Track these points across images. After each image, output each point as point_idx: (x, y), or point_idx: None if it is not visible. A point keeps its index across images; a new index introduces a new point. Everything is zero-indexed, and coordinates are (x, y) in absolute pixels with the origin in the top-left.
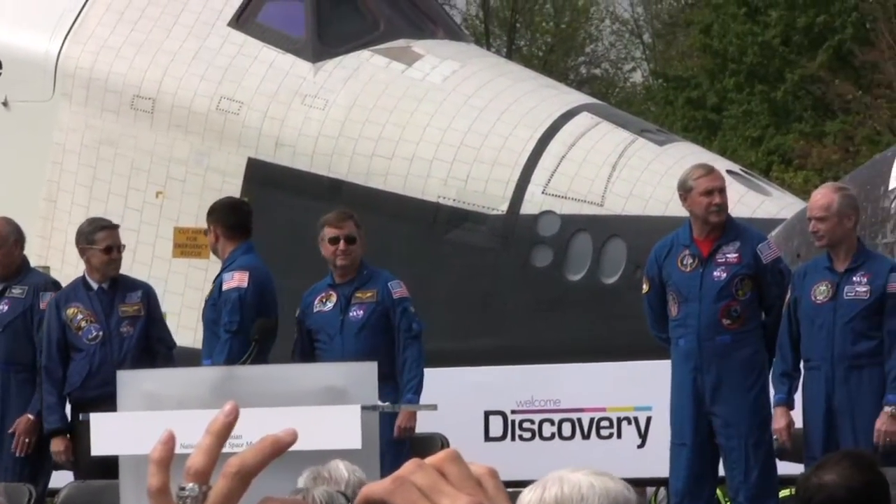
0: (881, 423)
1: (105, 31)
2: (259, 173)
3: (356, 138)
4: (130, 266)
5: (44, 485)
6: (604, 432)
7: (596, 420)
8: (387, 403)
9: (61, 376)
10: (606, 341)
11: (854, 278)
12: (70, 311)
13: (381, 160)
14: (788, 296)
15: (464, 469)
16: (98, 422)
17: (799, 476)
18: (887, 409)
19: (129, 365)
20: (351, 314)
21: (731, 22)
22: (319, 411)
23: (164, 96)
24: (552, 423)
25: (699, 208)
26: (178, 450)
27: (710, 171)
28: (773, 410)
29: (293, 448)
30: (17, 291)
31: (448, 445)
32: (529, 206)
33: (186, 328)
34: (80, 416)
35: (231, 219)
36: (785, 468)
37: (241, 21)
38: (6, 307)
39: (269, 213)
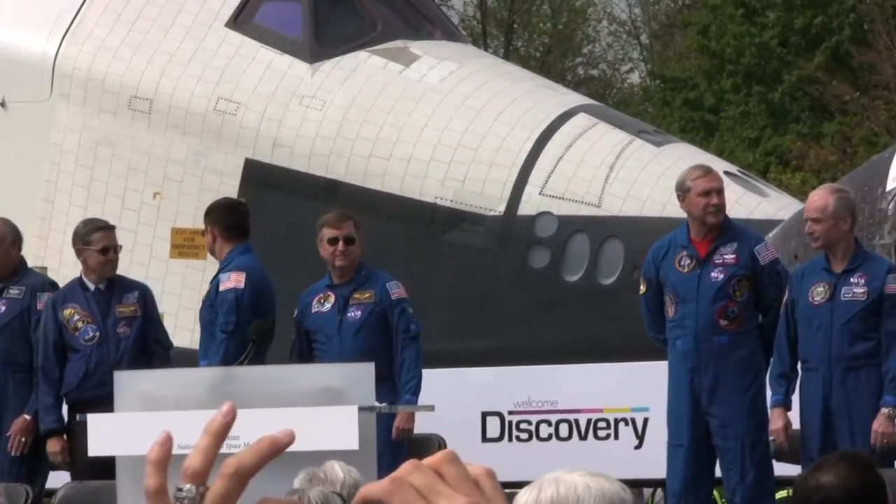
0: (878, 425)
1: (102, 32)
2: (256, 174)
3: (353, 139)
4: (128, 267)
5: (41, 485)
6: (601, 433)
7: (593, 421)
8: (384, 404)
9: (58, 377)
10: (604, 342)
11: (851, 279)
12: (67, 312)
13: (379, 161)
14: (786, 296)
15: (461, 470)
16: (95, 422)
17: (796, 477)
18: (884, 410)
19: (126, 366)
20: (349, 315)
21: (728, 23)
22: (316, 412)
23: (161, 97)
24: (549, 423)
25: (697, 209)
26: (175, 450)
27: (708, 171)
28: (770, 411)
29: (290, 449)
30: (14, 292)
31: (445, 446)
32: (527, 207)
33: (184, 329)
34: (78, 417)
35: (228, 220)
36: (782, 469)
37: (238, 22)
38: (3, 308)
39: (266, 214)
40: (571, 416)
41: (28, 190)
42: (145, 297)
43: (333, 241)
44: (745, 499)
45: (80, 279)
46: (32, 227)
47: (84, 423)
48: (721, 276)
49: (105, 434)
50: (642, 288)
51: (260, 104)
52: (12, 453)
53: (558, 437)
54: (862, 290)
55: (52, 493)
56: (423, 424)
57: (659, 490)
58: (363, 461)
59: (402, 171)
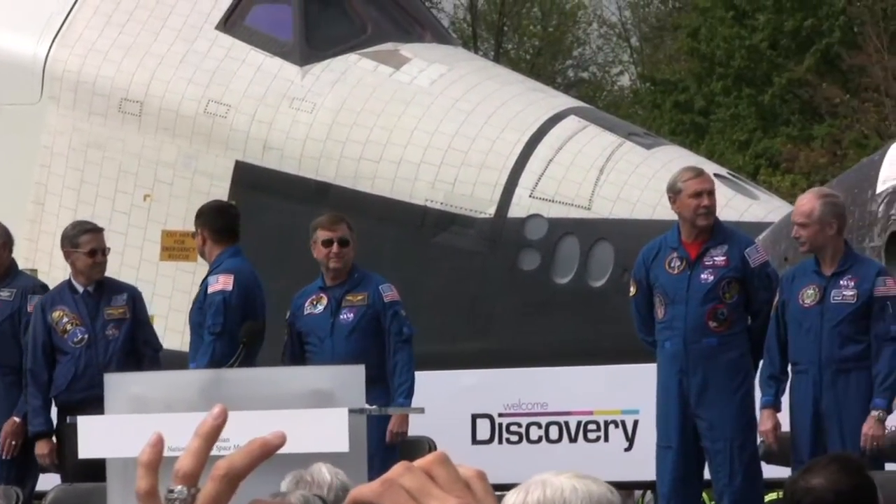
0: (868, 428)
1: (93, 35)
2: (247, 176)
3: (344, 141)
4: (118, 269)
5: (31, 487)
6: (591, 435)
7: (583, 423)
8: (374, 406)
9: (46, 379)
10: (594, 344)
11: (841, 282)
12: (55, 314)
13: (369, 163)
14: (777, 299)
15: (452, 471)
16: (85, 425)
17: (787, 479)
18: (874, 413)
19: (115, 368)
20: (341, 317)
21: (718, 26)
22: (307, 414)
23: (151, 99)
24: (539, 426)
25: (688, 211)
26: (165, 453)
27: (699, 173)
28: (759, 413)
29: (281, 451)
30: (4, 294)
31: (435, 448)
32: (517, 210)
33: (174, 331)
34: (68, 419)
35: (218, 222)
36: (772, 471)
37: (228, 24)
38: None
39: (256, 217)
40: (561, 419)
41: (18, 192)
42: (134, 299)
43: (328, 244)
44: (733, 501)
45: (68, 281)
46: (23, 230)
47: (74, 426)
48: (711, 277)
49: (95, 436)
50: (632, 290)
51: (250, 106)
52: (2, 456)
53: (548, 440)
54: (851, 293)
55: (43, 495)
56: (413, 427)
57: (649, 492)
58: (353, 463)
59: (392, 173)
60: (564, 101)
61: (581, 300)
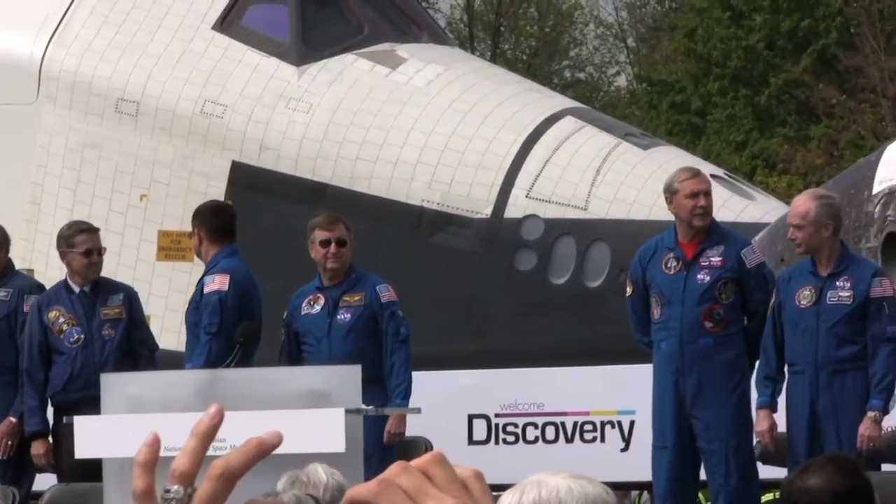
0: (864, 429)
1: (89, 34)
2: (243, 176)
3: (340, 142)
4: (115, 269)
5: (27, 487)
6: (587, 436)
7: (580, 424)
8: (370, 407)
9: (42, 379)
10: (590, 345)
11: (837, 283)
12: (52, 315)
13: (365, 164)
14: (773, 299)
15: (449, 471)
16: (82, 425)
17: (783, 480)
18: (871, 414)
19: (111, 368)
20: (339, 317)
21: (715, 26)
22: (303, 414)
23: (148, 99)
24: (536, 426)
25: (684, 211)
26: (162, 453)
27: (696, 174)
28: (755, 413)
29: (277, 451)
30: (1, 294)
31: (432, 449)
32: (513, 210)
33: (170, 331)
34: (64, 419)
35: (215, 222)
36: (768, 472)
37: (225, 24)
38: None
39: (253, 217)
40: (558, 419)
41: (15, 192)
42: (130, 299)
43: (325, 244)
44: (729, 502)
45: (65, 282)
46: (19, 230)
47: (70, 426)
48: (707, 278)
49: (92, 436)
50: (628, 290)
51: (247, 107)
52: None
53: (545, 440)
54: (847, 294)
55: (39, 495)
56: (409, 427)
57: (645, 493)
58: (350, 464)
59: (388, 173)
60: (561, 101)
61: (577, 301)
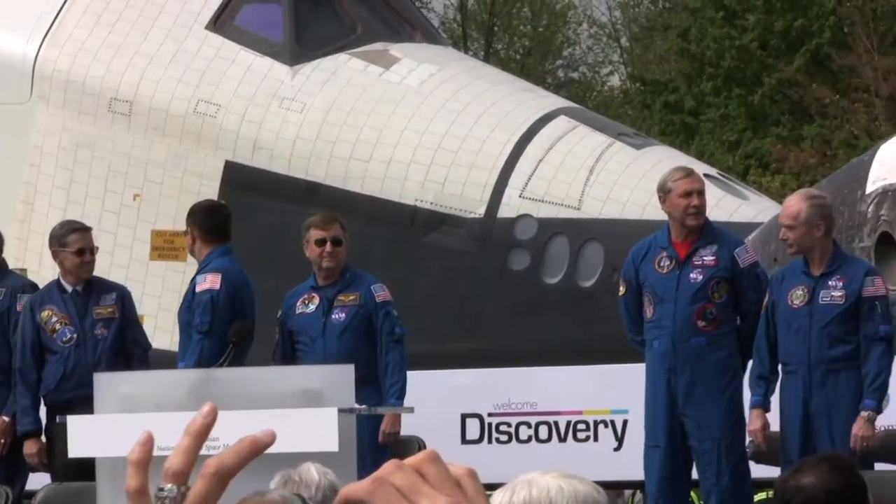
0: (858, 428)
1: (82, 34)
2: (236, 176)
3: (333, 141)
4: (108, 269)
5: (20, 487)
6: (580, 435)
7: (573, 423)
8: (363, 406)
9: (35, 379)
10: (583, 344)
11: (829, 283)
12: (44, 314)
13: (359, 163)
14: (766, 299)
15: (443, 470)
16: (75, 424)
17: (777, 479)
18: (864, 413)
19: (104, 367)
20: (333, 317)
21: (708, 26)
22: (296, 414)
23: (141, 99)
24: (529, 425)
25: (677, 210)
26: (155, 452)
27: (689, 173)
28: (749, 412)
29: (270, 450)
30: None
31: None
32: (507, 210)
33: (163, 331)
34: (57, 419)
35: (208, 222)
36: (761, 471)
37: (218, 24)
38: None
39: (246, 216)
40: (551, 418)
41: (8, 192)
42: (123, 298)
43: (321, 243)
44: (720, 501)
45: (57, 281)
46: (12, 229)
47: (63, 425)
48: (700, 277)
49: (85, 436)
50: (622, 289)
51: (240, 106)
52: None
53: (538, 439)
54: (840, 294)
55: (32, 494)
56: (403, 426)
57: (638, 492)
58: (343, 463)
59: (382, 173)
60: (554, 101)
61: (571, 300)
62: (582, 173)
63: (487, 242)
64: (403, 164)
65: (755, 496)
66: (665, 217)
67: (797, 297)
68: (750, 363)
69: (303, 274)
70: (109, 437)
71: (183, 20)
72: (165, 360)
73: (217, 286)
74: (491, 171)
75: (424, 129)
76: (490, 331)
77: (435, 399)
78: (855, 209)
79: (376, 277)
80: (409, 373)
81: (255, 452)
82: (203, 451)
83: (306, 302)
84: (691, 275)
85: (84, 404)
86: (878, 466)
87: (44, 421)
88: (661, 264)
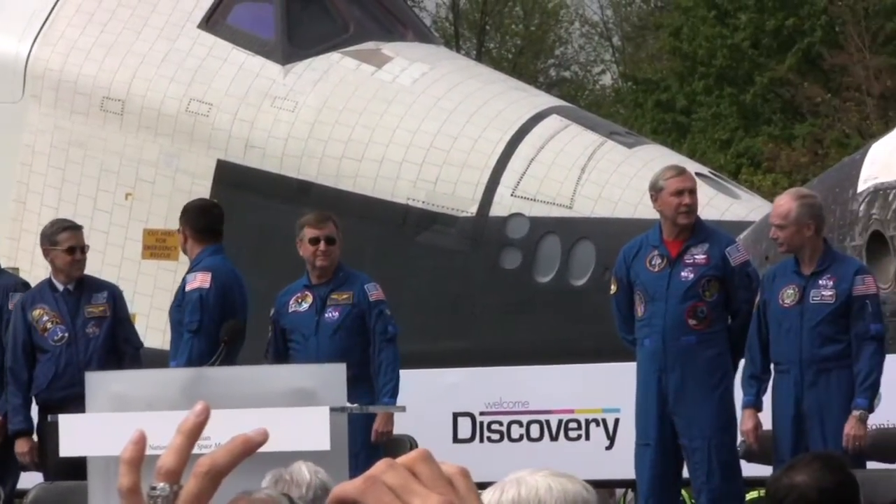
0: (850, 428)
1: (75, 33)
2: (228, 175)
3: (326, 140)
4: (100, 268)
5: (12, 486)
6: (572, 434)
7: (564, 422)
8: (355, 405)
9: (27, 378)
10: (575, 343)
11: (820, 282)
12: (36, 313)
13: (351, 162)
14: (758, 298)
15: (435, 469)
16: (67, 423)
17: (769, 477)
18: (856, 413)
19: (96, 366)
20: (326, 315)
21: (700, 25)
22: (288, 413)
23: (133, 98)
24: (521, 424)
25: (669, 209)
26: (147, 451)
27: (681, 172)
28: (741, 412)
29: (262, 449)
30: None
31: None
32: (499, 209)
33: (155, 329)
34: (49, 418)
35: (200, 222)
36: (753, 470)
37: (210, 23)
38: None
39: (238, 215)
40: (542, 417)
41: (0, 191)
42: (114, 297)
43: (314, 242)
44: (711, 499)
45: (49, 280)
46: (4, 228)
47: (55, 424)
48: (691, 275)
49: (76, 435)
50: (613, 288)
51: (232, 105)
52: None
53: (529, 438)
54: (830, 293)
55: (24, 493)
56: (394, 425)
57: (630, 491)
58: (335, 462)
59: (374, 172)
60: (546, 100)
61: (562, 299)
62: (574, 172)
63: (479, 241)
64: (395, 163)
65: (747, 495)
66: (657, 216)
67: (788, 296)
68: (742, 362)
69: (295, 273)
70: (101, 436)
71: (175, 19)
72: (157, 359)
73: (206, 285)
74: (483, 170)
75: (416, 127)
76: (482, 330)
77: (426, 398)
78: (846, 208)
79: (369, 276)
80: (400, 371)
81: (248, 451)
82: (195, 450)
83: (299, 300)
84: (682, 273)
85: (76, 403)
86: (870, 465)
87: (35, 420)
88: (653, 263)
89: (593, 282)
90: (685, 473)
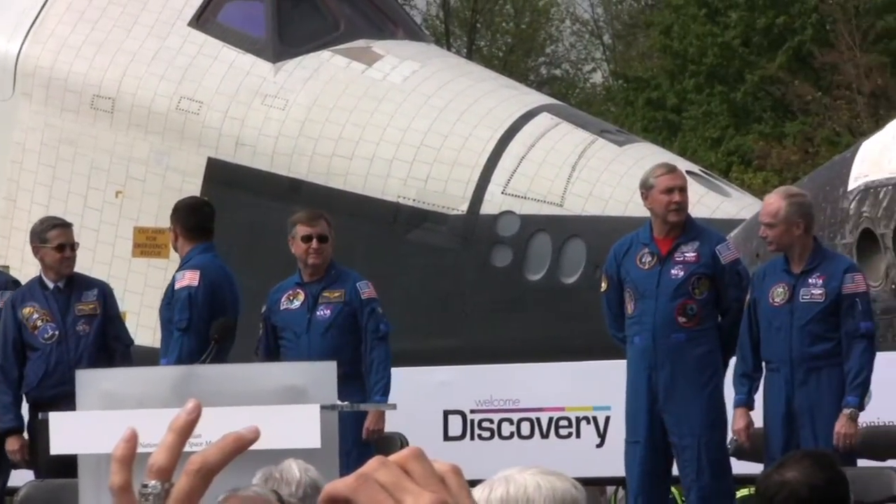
0: (840, 426)
1: (65, 31)
2: (219, 173)
3: (316, 138)
4: (90, 266)
5: (2, 483)
6: (563, 432)
7: (555, 420)
8: (346, 403)
9: (17, 376)
10: (566, 341)
11: (810, 280)
12: (26, 311)
13: (341, 160)
14: (749, 296)
15: (427, 467)
16: (57, 421)
17: (760, 474)
18: (846, 411)
19: (86, 363)
20: (318, 313)
21: (690, 23)
22: (279, 410)
23: (123, 96)
24: (511, 422)
25: (659, 207)
26: (139, 448)
27: (671, 169)
28: (733, 411)
29: (253, 447)
30: None
31: (407, 445)
32: (489, 207)
33: (146, 327)
34: (40, 415)
35: (191, 220)
36: (744, 468)
37: (201, 21)
38: None
39: (228, 213)
40: (533, 415)
41: None
42: (105, 294)
43: (307, 239)
44: (700, 497)
45: (39, 278)
46: None
47: (46, 422)
48: (681, 273)
49: (67, 432)
50: (603, 286)
51: (223, 103)
52: None
53: (520, 436)
54: (820, 292)
55: (14, 491)
56: (385, 423)
57: (621, 489)
58: (325, 460)
59: (364, 170)
60: (537, 98)
61: (553, 297)
62: (564, 170)
63: (470, 239)
64: (386, 161)
65: (738, 492)
66: (647, 214)
67: (778, 294)
68: (733, 360)
69: (286, 270)
70: (92, 433)
71: (165, 17)
72: (148, 357)
73: (195, 283)
74: (473, 168)
75: (407, 125)
76: (472, 327)
77: (417, 396)
78: (837, 206)
79: (361, 274)
80: (392, 369)
81: (239, 449)
82: (186, 448)
83: (291, 298)
84: (672, 271)
85: (67, 401)
86: (861, 463)
87: (26, 418)
88: (643, 260)
89: (584, 280)
90: (675, 471)
